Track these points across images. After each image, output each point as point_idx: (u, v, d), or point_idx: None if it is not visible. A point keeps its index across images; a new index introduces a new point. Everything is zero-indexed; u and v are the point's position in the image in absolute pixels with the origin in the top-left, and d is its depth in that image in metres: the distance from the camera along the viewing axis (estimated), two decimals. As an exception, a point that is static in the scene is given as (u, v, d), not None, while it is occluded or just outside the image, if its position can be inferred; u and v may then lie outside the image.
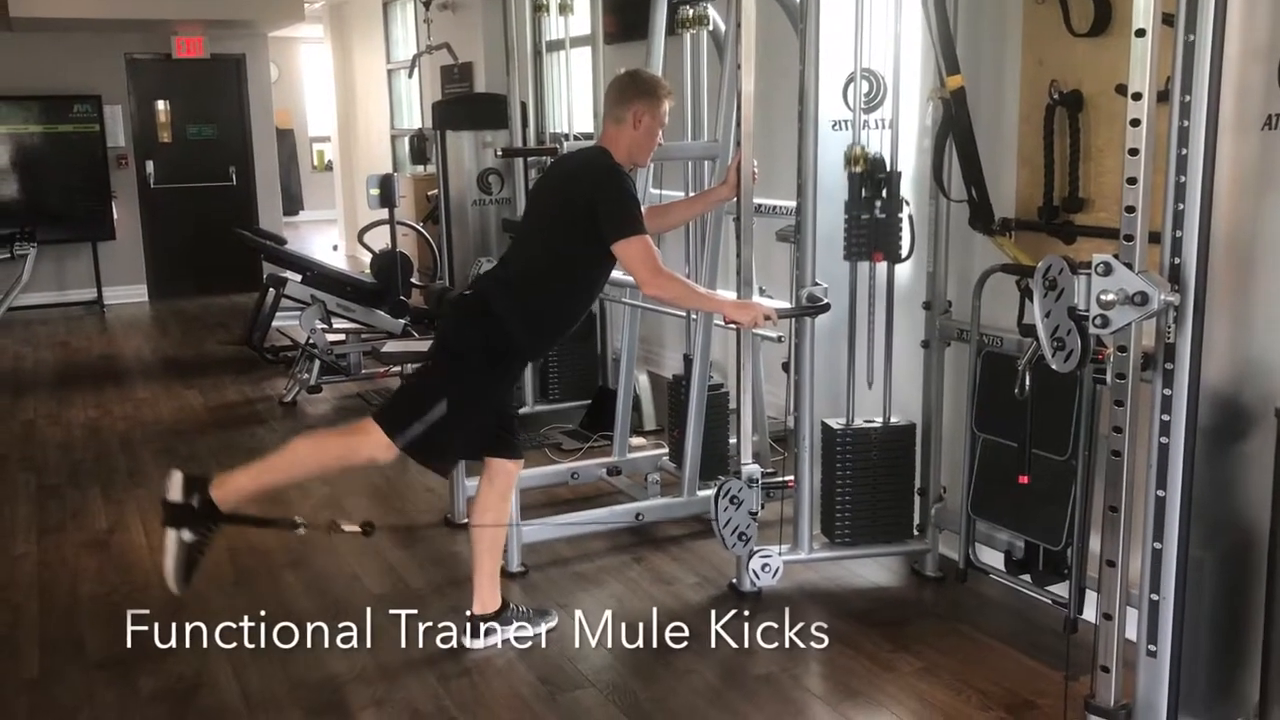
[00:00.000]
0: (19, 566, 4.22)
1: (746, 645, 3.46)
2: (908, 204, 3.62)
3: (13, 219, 9.80)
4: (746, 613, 3.67)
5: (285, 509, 4.74)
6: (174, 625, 3.66)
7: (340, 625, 3.62)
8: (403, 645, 3.48)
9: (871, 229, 3.60)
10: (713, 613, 3.67)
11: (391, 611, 3.72)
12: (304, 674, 3.32)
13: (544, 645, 3.47)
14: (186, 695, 3.23)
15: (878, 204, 3.59)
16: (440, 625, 3.60)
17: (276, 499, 4.89)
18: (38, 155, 10.03)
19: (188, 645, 3.52)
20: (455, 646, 3.45)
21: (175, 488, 3.25)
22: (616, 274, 3.46)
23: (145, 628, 3.65)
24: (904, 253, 3.65)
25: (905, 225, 3.62)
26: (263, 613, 3.75)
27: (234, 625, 3.65)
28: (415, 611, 3.71)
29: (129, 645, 3.53)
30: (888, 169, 3.59)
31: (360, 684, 3.26)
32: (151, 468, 5.39)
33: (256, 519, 3.54)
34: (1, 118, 9.91)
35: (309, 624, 3.65)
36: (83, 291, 10.33)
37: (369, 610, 3.73)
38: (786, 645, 3.44)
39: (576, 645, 3.48)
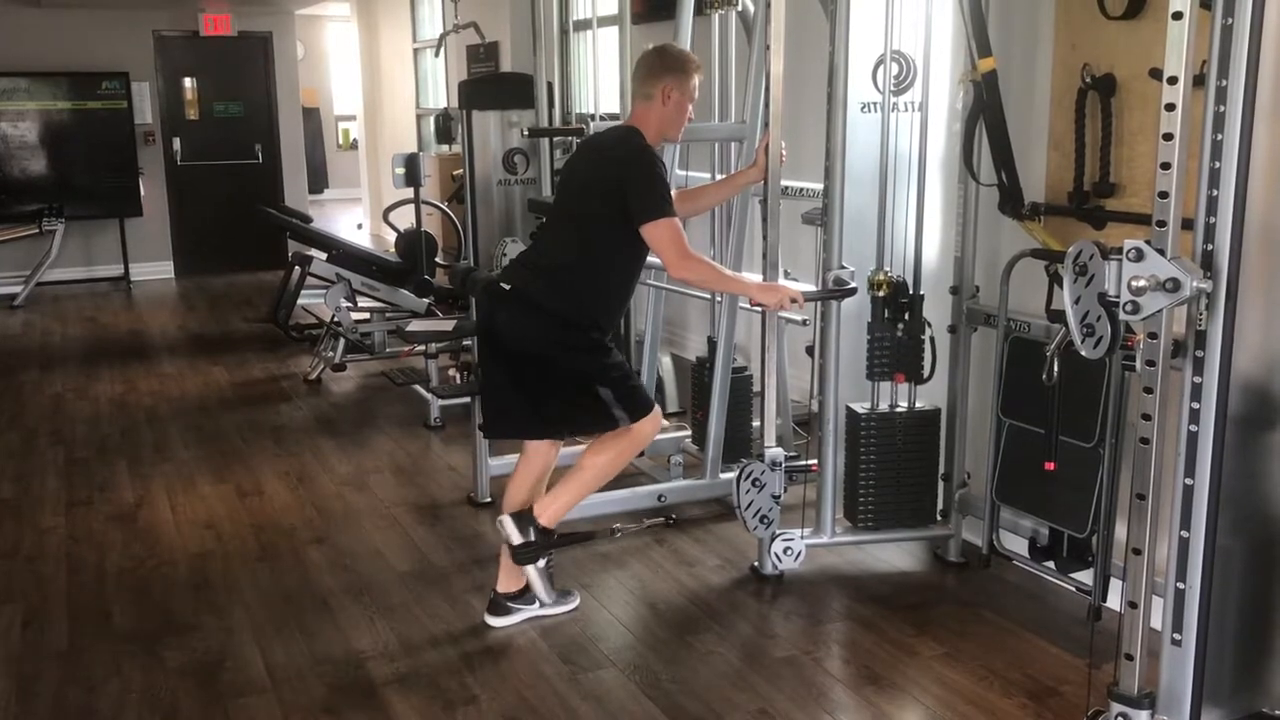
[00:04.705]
0: (48, 539, 4.27)
1: (768, 628, 3.48)
2: (929, 325, 3.67)
3: (41, 195, 9.90)
4: (768, 595, 3.69)
5: (312, 490, 4.79)
6: (199, 600, 3.72)
7: (364, 601, 3.66)
8: (426, 622, 3.51)
9: (894, 350, 3.66)
10: (734, 595, 3.69)
11: (415, 589, 3.76)
12: (328, 650, 3.35)
13: (566, 625, 3.49)
14: (212, 669, 3.26)
15: (900, 326, 3.65)
16: (463, 603, 3.64)
17: (303, 478, 4.94)
18: (66, 132, 10.09)
19: (213, 620, 3.56)
20: (478, 624, 3.47)
21: (512, 530, 3.37)
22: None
23: (171, 601, 3.71)
24: (925, 373, 3.68)
25: (926, 346, 3.67)
26: (287, 587, 3.80)
27: (259, 600, 3.70)
28: (439, 589, 3.74)
29: (155, 619, 3.58)
30: (910, 293, 3.64)
31: (384, 660, 3.29)
32: (178, 443, 5.44)
33: (583, 535, 3.80)
34: (30, 94, 9.96)
35: (333, 600, 3.69)
36: (110, 267, 10.40)
37: (393, 587, 3.78)
38: (808, 628, 3.46)
39: (598, 625, 3.50)
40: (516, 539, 3.38)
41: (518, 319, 3.34)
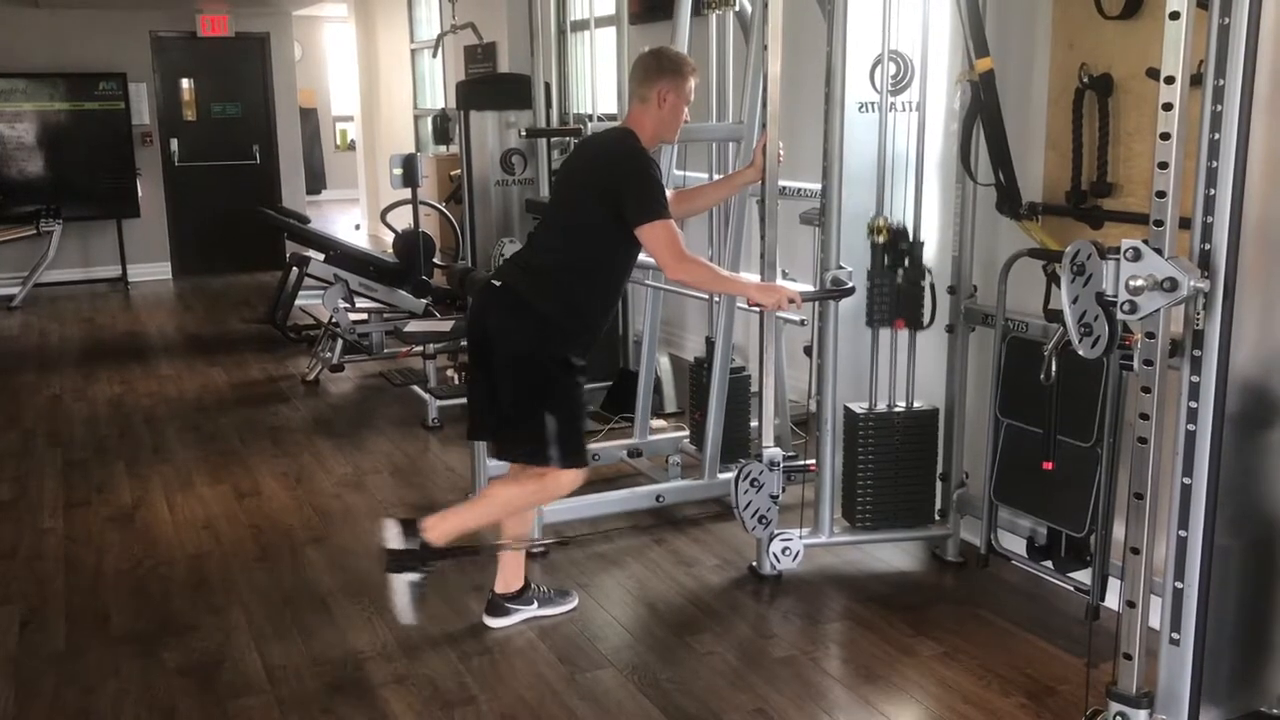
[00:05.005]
0: (46, 540, 4.26)
1: (766, 628, 3.48)
2: (929, 271, 3.66)
3: (39, 196, 9.89)
4: (766, 595, 3.69)
5: (310, 490, 4.79)
6: (198, 600, 3.72)
7: (362, 602, 3.66)
8: (424, 623, 3.50)
9: (894, 296, 3.66)
10: (732, 595, 3.69)
11: (413, 589, 3.75)
12: (326, 650, 3.35)
13: (564, 625, 3.49)
14: (210, 669, 3.26)
15: (900, 271, 3.65)
16: (461, 604, 3.63)
17: (301, 479, 4.94)
18: (63, 133, 10.08)
19: (212, 620, 3.56)
20: (476, 625, 3.47)
21: (393, 535, 3.32)
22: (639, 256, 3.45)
23: (169, 602, 3.71)
24: (926, 320, 3.68)
25: (926, 292, 3.66)
26: (285, 588, 3.79)
27: (257, 600, 3.70)
28: (437, 589, 3.74)
29: (154, 620, 3.58)
30: (910, 239, 3.63)
31: (381, 660, 3.29)
32: (176, 444, 5.44)
33: (469, 549, 3.57)
34: (28, 95, 9.96)
35: (331, 600, 3.69)
36: (107, 268, 10.39)
37: (390, 587, 3.77)
38: (806, 628, 3.46)
39: (596, 625, 3.50)
40: (394, 544, 3.30)
41: (506, 320, 3.32)
